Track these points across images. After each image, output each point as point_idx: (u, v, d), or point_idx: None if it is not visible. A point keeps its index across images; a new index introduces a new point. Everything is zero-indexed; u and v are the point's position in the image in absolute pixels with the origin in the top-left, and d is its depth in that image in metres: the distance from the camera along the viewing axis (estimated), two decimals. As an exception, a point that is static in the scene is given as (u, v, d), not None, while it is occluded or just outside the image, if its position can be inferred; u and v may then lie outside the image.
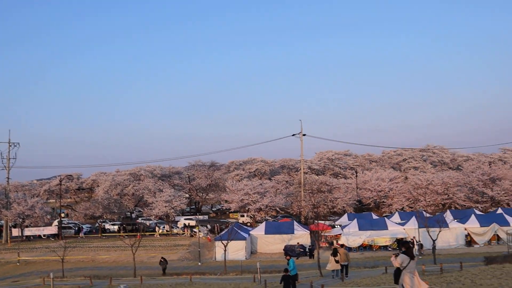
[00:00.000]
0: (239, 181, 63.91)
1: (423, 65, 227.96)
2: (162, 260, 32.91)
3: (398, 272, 11.64)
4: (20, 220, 53.13)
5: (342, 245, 30.29)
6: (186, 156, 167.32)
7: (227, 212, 67.86)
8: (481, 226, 40.49)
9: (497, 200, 54.47)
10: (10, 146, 57.00)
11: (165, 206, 53.10)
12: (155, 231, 53.09)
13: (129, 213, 67.39)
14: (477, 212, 45.41)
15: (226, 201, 59.29)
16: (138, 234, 43.73)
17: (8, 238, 52.96)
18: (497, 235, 40.64)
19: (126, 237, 41.14)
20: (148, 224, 57.34)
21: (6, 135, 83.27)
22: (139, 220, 61.49)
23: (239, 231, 39.05)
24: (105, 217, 58.69)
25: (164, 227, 54.98)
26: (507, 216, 41.55)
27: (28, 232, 53.81)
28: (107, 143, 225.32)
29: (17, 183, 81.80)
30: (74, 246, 43.88)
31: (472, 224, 40.73)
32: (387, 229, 40.65)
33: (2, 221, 56.04)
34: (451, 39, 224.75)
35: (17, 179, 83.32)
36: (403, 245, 12.05)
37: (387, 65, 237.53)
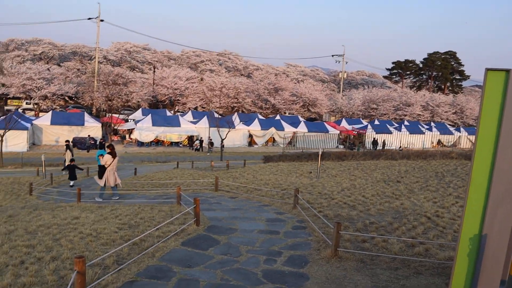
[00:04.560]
0: (21, 63, 56.00)
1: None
2: None
3: (103, 170, 13.48)
4: None
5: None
6: None
7: (4, 98, 59.66)
8: (261, 129, 45.47)
9: (277, 107, 61.41)
10: None
11: None
12: None
13: None
14: (260, 117, 50.47)
15: (3, 85, 51.55)
16: None
17: None
18: (273, 138, 46.52)
19: None
20: None
21: None
22: None
23: (19, 120, 34.89)
24: None
25: None
26: (283, 122, 47.52)
27: None
28: None
29: None
30: None
31: (255, 127, 45.36)
32: (180, 126, 42.04)
33: None
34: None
35: None
36: (108, 147, 13.70)
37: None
